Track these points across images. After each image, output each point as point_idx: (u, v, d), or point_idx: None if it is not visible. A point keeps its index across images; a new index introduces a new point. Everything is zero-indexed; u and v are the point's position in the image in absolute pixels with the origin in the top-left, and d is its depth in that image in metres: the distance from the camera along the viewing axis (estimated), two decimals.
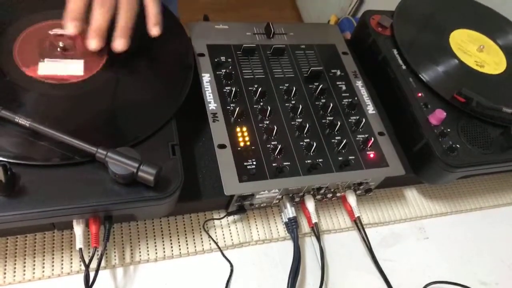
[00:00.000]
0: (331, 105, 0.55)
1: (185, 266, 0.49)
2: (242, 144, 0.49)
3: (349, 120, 0.55)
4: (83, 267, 0.43)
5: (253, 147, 0.49)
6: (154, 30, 0.46)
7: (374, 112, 0.57)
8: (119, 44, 0.44)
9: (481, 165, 0.55)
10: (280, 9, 2.04)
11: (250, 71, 0.56)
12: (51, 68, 0.45)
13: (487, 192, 0.66)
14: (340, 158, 0.51)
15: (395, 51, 0.61)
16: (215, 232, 0.52)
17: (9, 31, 0.47)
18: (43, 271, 0.45)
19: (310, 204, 0.53)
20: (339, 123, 0.53)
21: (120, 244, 0.48)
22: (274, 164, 0.49)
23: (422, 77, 0.58)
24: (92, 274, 0.42)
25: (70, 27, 0.43)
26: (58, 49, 0.46)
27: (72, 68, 0.46)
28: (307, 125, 0.52)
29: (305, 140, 0.52)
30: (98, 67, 0.47)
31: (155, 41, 0.52)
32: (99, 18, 0.43)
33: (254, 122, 0.51)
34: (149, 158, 0.39)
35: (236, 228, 0.53)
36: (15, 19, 0.48)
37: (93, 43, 0.44)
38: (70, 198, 0.38)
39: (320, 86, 0.56)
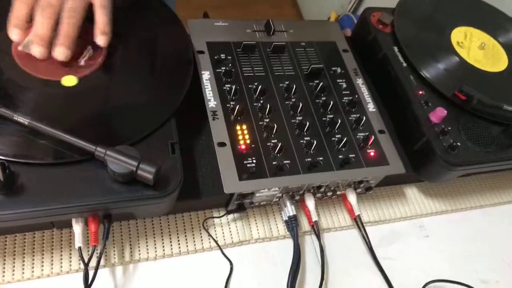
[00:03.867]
0: (332, 103, 0.54)
1: (185, 264, 0.49)
2: (242, 142, 0.49)
3: (350, 118, 0.55)
4: (82, 266, 0.43)
5: (253, 145, 0.49)
6: (98, 39, 0.44)
7: (374, 110, 0.57)
8: (59, 53, 0.42)
9: (482, 163, 0.54)
10: (280, 6, 2.04)
11: (250, 68, 0.56)
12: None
13: (487, 190, 0.66)
14: (340, 156, 0.51)
15: (395, 48, 0.61)
16: (215, 231, 0.52)
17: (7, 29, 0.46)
18: (42, 270, 0.45)
19: (310, 203, 0.53)
20: (339, 121, 0.53)
21: (120, 242, 0.48)
22: (274, 162, 0.48)
23: (423, 75, 0.58)
24: (91, 273, 0.42)
25: (12, 34, 0.42)
26: None
27: None
28: (307, 123, 0.52)
29: (305, 138, 0.51)
30: (97, 65, 0.46)
31: (154, 39, 0.52)
32: (39, 26, 0.41)
33: (254, 120, 0.51)
34: (149, 156, 0.39)
35: (236, 227, 0.52)
36: None
37: (36, 50, 0.41)
38: (69, 197, 0.38)
39: (321, 83, 0.56)
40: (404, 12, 0.65)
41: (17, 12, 0.41)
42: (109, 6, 0.45)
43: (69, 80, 0.44)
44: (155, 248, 0.49)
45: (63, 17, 0.42)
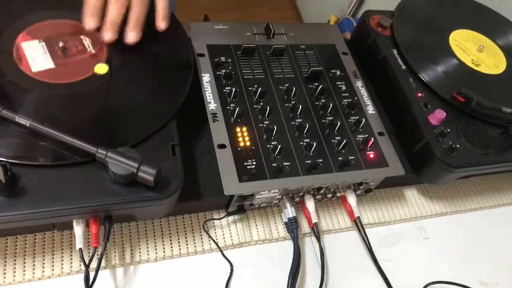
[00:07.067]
0: (331, 105, 0.55)
1: (185, 266, 0.49)
2: (242, 144, 0.49)
3: (349, 120, 0.55)
4: (83, 267, 0.43)
5: (253, 147, 0.49)
6: (162, 23, 0.49)
7: (374, 112, 0.57)
8: (131, 36, 0.47)
9: (481, 165, 0.55)
10: (280, 9, 2.04)
11: (250, 71, 0.56)
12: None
13: (487, 192, 0.66)
14: (340, 158, 0.51)
15: (395, 51, 0.61)
16: (215, 232, 0.52)
17: (9, 31, 0.47)
18: (43, 271, 0.45)
19: (310, 204, 0.53)
20: (339, 123, 0.53)
21: (120, 244, 0.48)
22: (274, 164, 0.49)
23: (422, 77, 0.58)
24: (92, 274, 0.42)
25: (89, 22, 0.46)
26: (58, 51, 0.46)
27: None
28: (307, 125, 0.52)
29: (305, 140, 0.52)
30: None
31: (155, 41, 0.52)
32: (113, 12, 0.46)
33: (254, 122, 0.52)
34: (149, 158, 0.39)
35: (236, 228, 0.53)
36: (14, 18, 0.48)
37: (108, 35, 0.46)
38: (70, 198, 0.38)
39: (320, 86, 0.56)
40: (403, 15, 0.65)
41: (93, 2, 0.45)
42: None
43: (101, 68, 0.47)
44: (156, 249, 0.49)
45: (133, 4, 0.46)
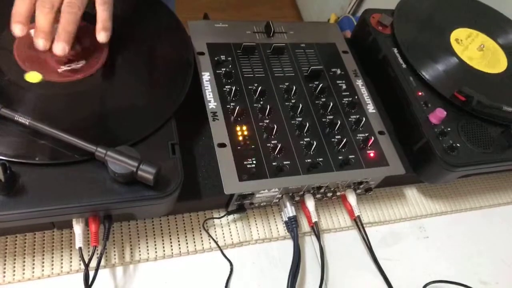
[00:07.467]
0: (331, 104, 0.55)
1: (185, 265, 0.49)
2: (242, 143, 0.49)
3: (349, 119, 0.55)
4: (82, 266, 0.43)
5: (253, 146, 0.49)
6: (100, 35, 0.44)
7: (374, 111, 0.57)
8: (57, 48, 0.42)
9: (481, 164, 0.54)
10: (280, 8, 2.04)
11: (250, 69, 0.56)
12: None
13: (487, 191, 0.66)
14: (340, 157, 0.51)
15: (395, 50, 0.61)
16: (215, 231, 0.52)
17: (9, 30, 0.47)
18: (43, 270, 0.45)
19: (310, 203, 0.53)
20: (339, 122, 0.53)
21: (120, 243, 0.48)
22: (274, 163, 0.49)
23: (422, 76, 0.58)
24: (91, 273, 0.42)
25: (15, 30, 0.42)
26: None
27: None
28: (307, 124, 0.52)
29: (305, 139, 0.52)
30: (98, 66, 0.47)
31: (155, 40, 0.52)
32: (40, 19, 0.42)
33: (254, 121, 0.51)
34: (149, 157, 0.39)
35: (236, 227, 0.52)
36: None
37: (39, 42, 0.42)
38: (70, 197, 0.38)
39: (320, 85, 0.56)
40: (403, 14, 0.65)
41: (19, 8, 0.42)
42: (110, 2, 0.45)
43: (33, 77, 0.44)
44: (155, 248, 0.49)
45: (63, 11, 0.42)
